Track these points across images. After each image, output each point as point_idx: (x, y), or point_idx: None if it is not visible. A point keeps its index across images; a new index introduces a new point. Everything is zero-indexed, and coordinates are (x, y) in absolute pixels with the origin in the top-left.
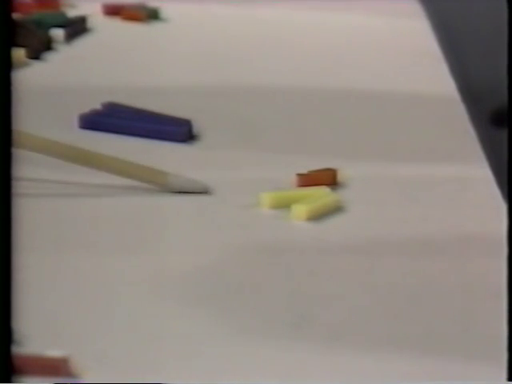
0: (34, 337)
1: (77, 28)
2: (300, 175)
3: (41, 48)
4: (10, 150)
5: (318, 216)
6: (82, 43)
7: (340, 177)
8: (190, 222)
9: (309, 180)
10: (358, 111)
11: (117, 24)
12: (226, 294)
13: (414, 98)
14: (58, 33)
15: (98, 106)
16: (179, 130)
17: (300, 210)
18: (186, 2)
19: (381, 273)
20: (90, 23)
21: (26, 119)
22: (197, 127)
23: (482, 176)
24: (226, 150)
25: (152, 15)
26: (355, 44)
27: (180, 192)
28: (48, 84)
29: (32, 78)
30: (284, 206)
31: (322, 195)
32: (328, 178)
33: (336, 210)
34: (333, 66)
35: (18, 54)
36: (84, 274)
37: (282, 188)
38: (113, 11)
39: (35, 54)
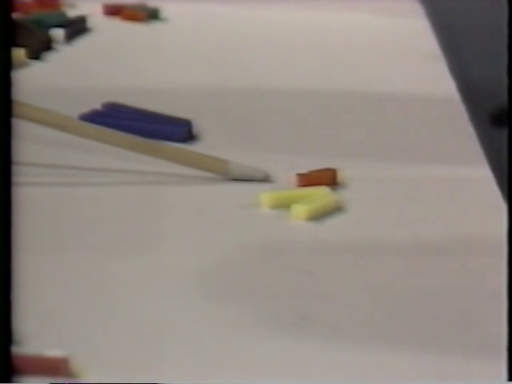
0: (33, 337)
1: (77, 28)
2: (300, 175)
3: (41, 48)
4: (10, 151)
5: (318, 216)
6: (82, 43)
7: (340, 177)
8: (189, 222)
9: (309, 180)
10: (358, 111)
11: (117, 24)
12: (226, 293)
13: (414, 99)
14: (58, 33)
15: (97, 106)
16: (179, 130)
17: (300, 210)
18: (185, 2)
19: (381, 273)
20: (90, 23)
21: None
22: (197, 127)
23: (482, 176)
24: (226, 149)
25: (152, 15)
26: (355, 44)
27: (239, 180)
28: (48, 84)
29: (32, 77)
30: (284, 205)
31: (321, 195)
32: (328, 178)
33: (336, 209)
34: (333, 66)
35: (18, 54)
36: (84, 273)
37: (281, 188)
38: (113, 11)
39: (35, 54)
